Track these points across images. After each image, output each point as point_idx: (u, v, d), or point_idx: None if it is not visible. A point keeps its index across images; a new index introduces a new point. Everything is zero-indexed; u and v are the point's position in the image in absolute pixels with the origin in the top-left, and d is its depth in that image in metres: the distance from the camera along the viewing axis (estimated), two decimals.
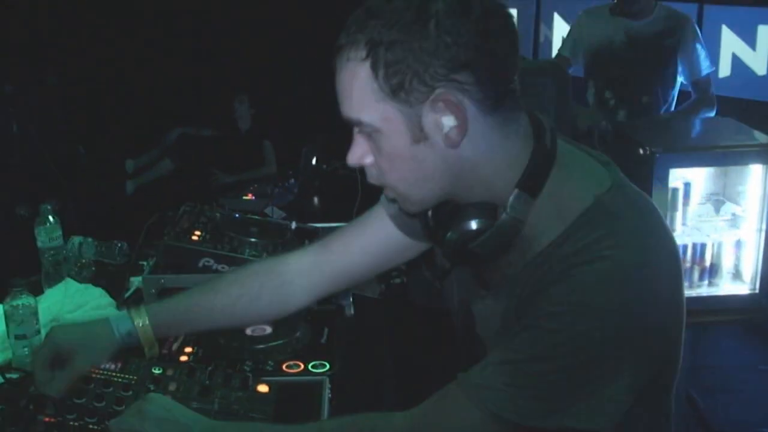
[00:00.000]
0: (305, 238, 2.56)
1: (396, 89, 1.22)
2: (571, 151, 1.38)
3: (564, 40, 4.38)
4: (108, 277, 2.59)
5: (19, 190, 4.90)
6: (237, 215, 2.66)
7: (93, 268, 2.62)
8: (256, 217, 2.73)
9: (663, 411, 1.42)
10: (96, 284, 2.39)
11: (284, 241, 2.47)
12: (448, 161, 1.27)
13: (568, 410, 1.23)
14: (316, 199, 5.09)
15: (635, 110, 3.94)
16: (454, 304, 1.59)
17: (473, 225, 1.30)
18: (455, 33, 1.18)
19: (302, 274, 1.67)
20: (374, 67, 1.22)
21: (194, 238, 2.38)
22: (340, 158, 5.87)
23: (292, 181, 5.34)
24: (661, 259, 1.26)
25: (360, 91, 1.25)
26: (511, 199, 1.27)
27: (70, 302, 2.21)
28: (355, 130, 1.31)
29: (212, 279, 1.74)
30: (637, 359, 1.24)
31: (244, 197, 5.40)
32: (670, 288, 1.28)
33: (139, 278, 2.36)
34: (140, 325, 1.60)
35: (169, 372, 1.68)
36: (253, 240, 2.42)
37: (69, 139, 5.53)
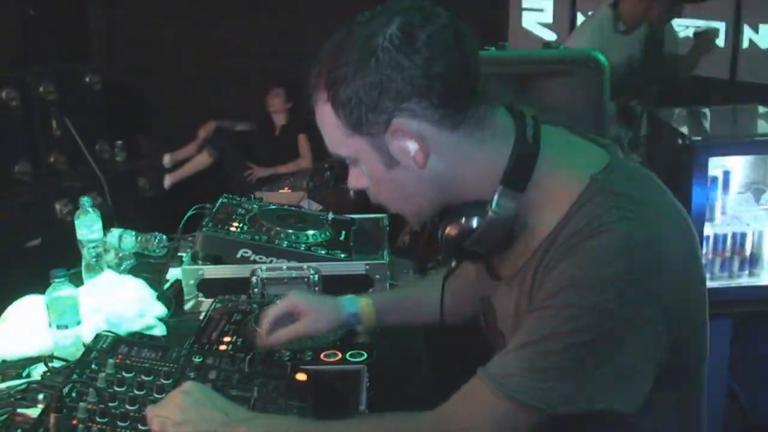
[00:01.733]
0: (342, 228, 2.57)
1: (356, 124, 1.29)
2: (565, 138, 1.41)
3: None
4: (148, 269, 2.62)
5: (59, 186, 4.95)
6: (274, 206, 2.67)
7: (133, 260, 2.66)
8: (294, 208, 2.74)
9: (693, 394, 1.41)
10: (136, 276, 2.42)
11: (321, 232, 2.48)
12: (425, 179, 1.33)
13: (590, 390, 1.22)
14: (351, 192, 5.10)
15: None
16: (477, 297, 1.61)
17: (464, 224, 1.35)
18: (397, 65, 1.24)
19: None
20: (334, 108, 1.30)
21: (232, 229, 2.40)
22: None
23: (328, 174, 5.35)
24: (667, 230, 1.27)
25: (331, 129, 1.34)
26: (495, 196, 1.31)
27: (110, 294, 2.23)
28: (347, 162, 1.39)
29: (429, 277, 1.89)
30: (654, 330, 1.24)
31: (280, 190, 5.43)
32: (682, 261, 1.28)
33: (179, 269, 2.39)
34: (366, 307, 1.80)
35: (209, 360, 1.70)
36: (290, 231, 2.43)
37: (108, 134, 5.57)
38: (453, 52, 1.26)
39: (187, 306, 2.31)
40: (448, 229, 1.37)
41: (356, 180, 1.41)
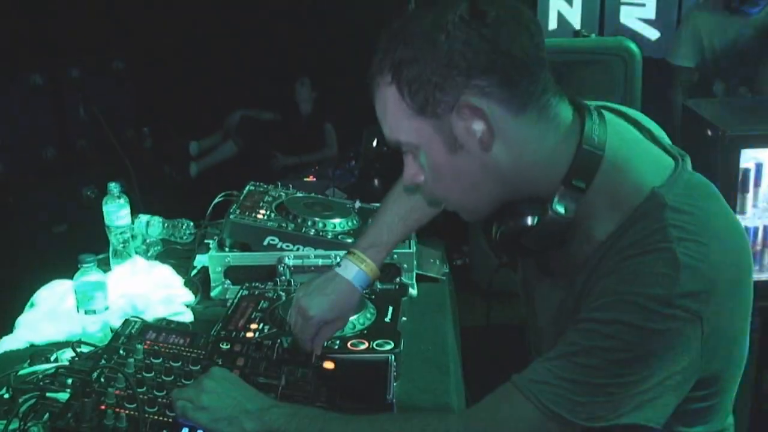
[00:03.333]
0: (368, 217, 2.55)
1: (422, 105, 1.26)
2: (632, 139, 1.37)
3: (677, 49, 4.24)
4: (175, 256, 2.63)
5: (86, 172, 4.98)
6: (301, 194, 2.66)
7: (160, 247, 2.66)
8: (320, 196, 2.74)
9: (722, 400, 1.38)
10: (162, 262, 2.42)
11: (349, 220, 2.47)
12: (488, 166, 1.29)
13: (622, 408, 1.21)
14: (376, 181, 5.09)
15: None
16: (519, 288, 1.60)
17: (522, 221, 1.32)
18: (467, 41, 1.21)
19: None
20: (399, 88, 1.27)
21: (259, 216, 2.40)
22: None
23: (353, 163, 5.35)
24: (719, 255, 1.23)
25: (393, 113, 1.31)
26: (556, 196, 1.29)
27: (138, 280, 2.24)
28: (403, 152, 1.36)
29: (393, 201, 1.80)
30: (692, 354, 1.22)
31: (306, 179, 5.43)
32: (730, 284, 1.25)
33: (206, 256, 2.39)
34: (371, 272, 1.73)
35: (237, 347, 1.69)
36: (317, 219, 2.42)
37: (135, 121, 5.60)
38: (522, 33, 1.24)
39: (214, 293, 2.31)
40: (504, 226, 1.34)
41: (412, 174, 1.37)
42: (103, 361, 1.59)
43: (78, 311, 1.98)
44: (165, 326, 1.89)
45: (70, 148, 5.03)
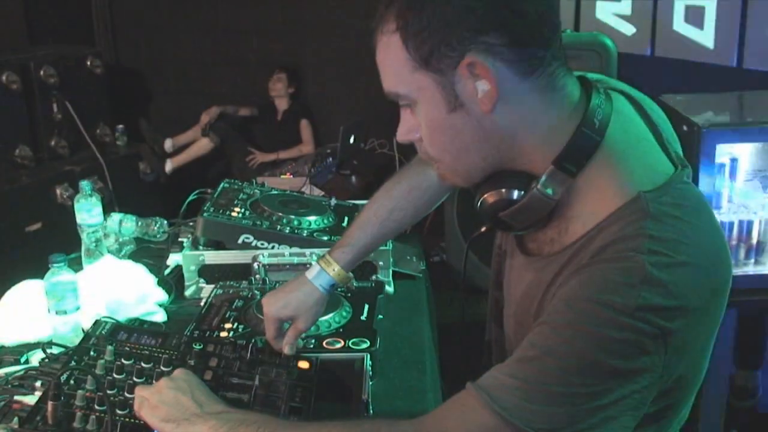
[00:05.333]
0: (344, 214, 2.54)
1: (426, 57, 1.21)
2: (638, 136, 1.32)
3: None
4: (148, 254, 2.60)
5: (59, 170, 4.93)
6: (276, 191, 2.64)
7: (133, 245, 2.63)
8: (296, 193, 2.72)
9: (681, 410, 1.33)
10: (136, 261, 2.39)
11: (326, 218, 2.45)
12: (486, 129, 1.25)
13: (575, 420, 1.14)
14: (354, 178, 5.08)
15: None
16: (492, 260, 1.58)
17: (505, 194, 1.29)
18: None
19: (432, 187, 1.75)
20: (404, 38, 1.22)
21: (234, 214, 2.37)
22: (377, 137, 5.87)
23: (330, 160, 5.33)
24: (695, 275, 1.17)
25: (394, 64, 1.26)
26: (544, 175, 1.25)
27: (110, 279, 2.21)
28: (401, 105, 1.31)
29: (374, 201, 1.78)
30: (652, 372, 1.15)
31: (282, 176, 5.41)
32: (702, 305, 1.18)
33: (179, 255, 2.36)
34: (338, 275, 1.71)
35: (210, 348, 1.67)
36: (292, 217, 2.40)
37: (109, 119, 5.54)
38: None
39: (188, 292, 2.28)
40: (488, 194, 1.30)
41: (406, 129, 1.32)
42: (72, 363, 1.56)
43: (49, 312, 1.95)
44: (137, 327, 1.86)
45: (43, 146, 4.97)
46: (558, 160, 1.24)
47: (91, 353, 1.61)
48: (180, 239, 2.57)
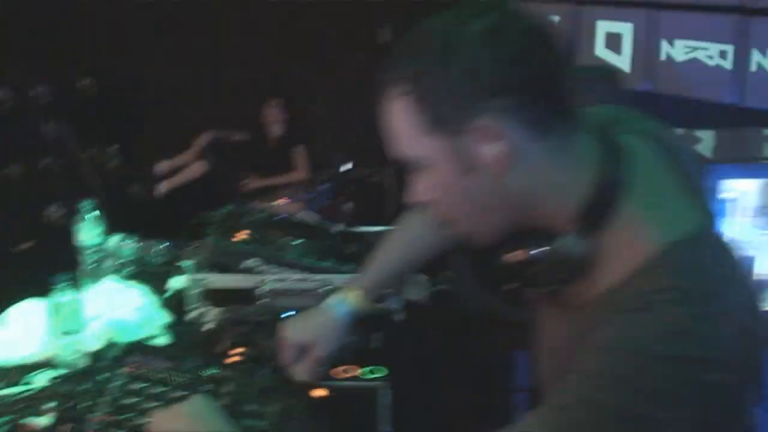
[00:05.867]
0: (350, 241, 2.52)
1: (436, 121, 1.18)
2: (661, 183, 1.28)
3: None
4: (148, 277, 2.56)
5: (52, 190, 4.90)
6: (281, 216, 2.62)
7: (133, 267, 2.59)
8: (300, 219, 2.70)
9: None
10: (136, 283, 2.36)
11: (328, 244, 2.43)
12: (501, 193, 1.21)
13: None
14: (349, 204, 5.06)
15: None
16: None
17: (527, 253, 1.25)
18: (489, 57, 1.14)
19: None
20: (413, 101, 1.18)
21: (238, 238, 2.35)
22: (371, 164, 5.86)
23: (326, 185, 5.31)
24: (722, 324, 1.14)
25: (404, 128, 1.22)
26: (567, 233, 1.22)
27: (113, 301, 2.18)
28: (412, 169, 1.27)
29: (398, 237, 1.84)
30: (687, 417, 1.12)
31: (277, 202, 5.39)
32: (742, 357, 1.16)
33: (181, 278, 2.33)
34: (357, 301, 1.75)
35: (226, 373, 1.64)
36: (296, 242, 2.38)
37: (103, 139, 5.52)
38: (548, 52, 1.17)
39: (191, 315, 2.25)
40: (510, 254, 1.26)
41: (425, 189, 1.27)
42: (87, 385, 1.53)
43: (52, 332, 1.92)
44: (150, 349, 1.83)
45: (35, 166, 4.94)
46: (579, 217, 1.21)
47: (105, 374, 1.58)
48: (181, 262, 2.54)
